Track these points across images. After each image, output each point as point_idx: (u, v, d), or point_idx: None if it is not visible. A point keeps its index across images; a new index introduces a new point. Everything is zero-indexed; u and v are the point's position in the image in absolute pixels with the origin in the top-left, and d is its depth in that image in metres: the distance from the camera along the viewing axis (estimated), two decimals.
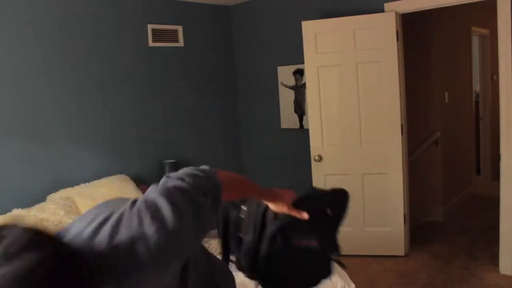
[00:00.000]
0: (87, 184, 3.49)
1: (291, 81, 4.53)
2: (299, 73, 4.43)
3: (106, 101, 3.88)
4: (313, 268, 1.58)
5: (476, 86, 6.13)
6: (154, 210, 0.85)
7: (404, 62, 3.83)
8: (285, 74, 4.57)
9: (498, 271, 3.49)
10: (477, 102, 6.11)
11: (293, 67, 4.47)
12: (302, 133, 4.43)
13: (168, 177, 0.96)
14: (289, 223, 1.38)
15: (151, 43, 4.20)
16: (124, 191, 3.50)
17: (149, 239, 0.81)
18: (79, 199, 3.27)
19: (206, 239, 3.03)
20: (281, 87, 4.63)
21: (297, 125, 4.57)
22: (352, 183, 3.99)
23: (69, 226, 0.86)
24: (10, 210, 2.99)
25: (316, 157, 4.01)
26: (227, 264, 1.59)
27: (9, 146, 3.31)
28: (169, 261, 0.85)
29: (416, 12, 3.77)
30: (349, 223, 4.01)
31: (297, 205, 1.38)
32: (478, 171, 6.14)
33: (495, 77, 5.87)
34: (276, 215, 1.38)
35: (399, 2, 3.70)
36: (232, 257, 1.63)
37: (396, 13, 3.69)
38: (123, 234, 0.81)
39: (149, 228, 0.82)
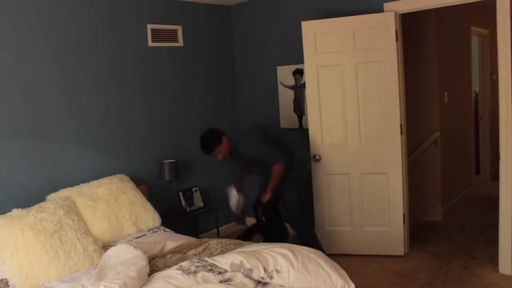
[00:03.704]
0: (86, 184, 3.48)
1: (291, 81, 4.54)
2: (299, 73, 4.44)
3: (105, 101, 3.88)
4: None
5: (476, 86, 6.14)
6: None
7: (403, 62, 3.83)
8: (284, 74, 4.57)
9: (497, 271, 3.49)
10: (476, 102, 6.12)
11: (293, 67, 4.48)
12: (301, 133, 4.43)
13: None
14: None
15: (150, 43, 4.20)
16: (123, 191, 3.49)
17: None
18: (78, 199, 3.27)
19: (206, 239, 3.04)
20: (280, 87, 4.63)
21: (296, 125, 4.57)
22: (351, 183, 4.00)
23: None
24: (9, 210, 2.98)
25: (316, 157, 4.02)
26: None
27: (8, 146, 3.31)
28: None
29: (415, 12, 3.77)
30: (349, 223, 4.05)
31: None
32: (477, 171, 6.14)
33: (494, 76, 5.87)
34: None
35: (398, 2, 3.70)
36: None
37: (396, 13, 3.69)
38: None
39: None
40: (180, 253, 2.78)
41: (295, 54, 4.33)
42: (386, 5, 3.76)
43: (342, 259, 3.37)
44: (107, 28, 3.88)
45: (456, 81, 5.18)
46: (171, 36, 4.38)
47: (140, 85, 4.14)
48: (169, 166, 4.12)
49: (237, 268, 2.28)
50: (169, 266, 2.45)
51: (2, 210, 3.01)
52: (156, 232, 3.47)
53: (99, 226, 3.20)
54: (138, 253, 2.54)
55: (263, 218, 3.96)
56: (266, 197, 3.79)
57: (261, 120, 4.85)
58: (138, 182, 3.85)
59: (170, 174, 4.13)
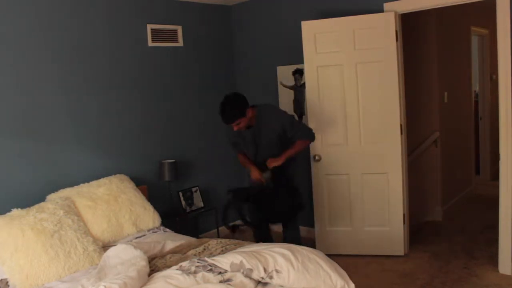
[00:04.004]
0: (86, 184, 3.48)
1: (291, 81, 4.54)
2: (299, 73, 4.44)
3: (105, 101, 3.88)
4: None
5: (476, 86, 6.14)
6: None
7: (403, 62, 3.83)
8: (284, 74, 4.57)
9: (497, 271, 3.50)
10: (476, 102, 6.12)
11: (293, 67, 4.48)
12: None
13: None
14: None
15: (150, 43, 4.20)
16: (123, 191, 3.49)
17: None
18: (78, 199, 3.26)
19: (206, 239, 3.04)
20: (280, 87, 4.63)
21: None
22: (351, 183, 4.00)
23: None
24: (9, 210, 2.98)
25: (316, 157, 4.02)
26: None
27: (8, 146, 3.30)
28: None
29: (415, 12, 3.77)
30: (349, 223, 4.05)
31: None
32: (477, 171, 6.14)
33: (494, 77, 5.87)
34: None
35: (398, 2, 3.70)
36: None
37: (396, 13, 3.69)
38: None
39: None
40: (180, 253, 2.78)
41: (295, 54, 4.33)
42: (386, 5, 3.76)
43: (342, 259, 3.36)
44: (107, 28, 3.88)
45: (456, 81, 5.18)
46: (171, 36, 4.38)
47: (140, 85, 4.14)
48: (169, 166, 4.12)
49: (237, 268, 2.28)
50: (169, 266, 2.45)
51: (2, 210, 3.01)
52: (156, 232, 3.47)
53: (99, 226, 3.20)
54: (138, 253, 2.54)
55: (272, 185, 3.45)
56: (275, 162, 3.41)
57: None
58: (138, 182, 3.85)
59: (170, 174, 4.13)
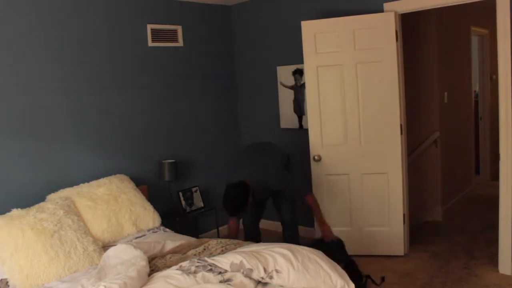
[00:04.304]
0: (86, 184, 3.48)
1: (291, 81, 4.54)
2: (299, 73, 4.44)
3: (105, 101, 3.88)
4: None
5: (476, 86, 6.14)
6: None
7: (403, 62, 3.83)
8: (284, 74, 4.57)
9: (497, 271, 3.50)
10: (476, 102, 6.12)
11: (293, 67, 4.48)
12: (301, 133, 4.43)
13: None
14: None
15: (150, 43, 4.20)
16: (123, 191, 3.49)
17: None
18: (78, 199, 3.26)
19: (206, 239, 3.04)
20: (280, 87, 4.63)
21: (296, 125, 4.58)
22: (351, 183, 4.00)
23: None
24: (9, 210, 2.98)
25: (316, 157, 4.02)
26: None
27: (8, 146, 3.30)
28: None
29: (415, 12, 3.78)
30: (349, 222, 4.05)
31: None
32: (477, 171, 6.14)
33: (494, 77, 5.87)
34: None
35: (398, 2, 3.70)
36: None
37: (396, 13, 3.69)
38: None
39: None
40: (180, 253, 2.78)
41: (295, 54, 4.33)
42: (386, 5, 3.76)
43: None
44: (107, 28, 3.88)
45: (456, 81, 5.18)
46: (171, 36, 4.38)
47: (140, 85, 4.14)
48: (169, 166, 4.12)
49: (237, 268, 2.28)
50: (169, 266, 2.45)
51: (2, 210, 3.01)
52: (156, 232, 3.47)
53: (98, 226, 3.20)
54: (138, 253, 2.54)
55: (336, 241, 3.42)
56: (328, 231, 3.45)
57: (261, 120, 4.85)
58: (138, 182, 3.86)
59: (170, 174, 4.13)
